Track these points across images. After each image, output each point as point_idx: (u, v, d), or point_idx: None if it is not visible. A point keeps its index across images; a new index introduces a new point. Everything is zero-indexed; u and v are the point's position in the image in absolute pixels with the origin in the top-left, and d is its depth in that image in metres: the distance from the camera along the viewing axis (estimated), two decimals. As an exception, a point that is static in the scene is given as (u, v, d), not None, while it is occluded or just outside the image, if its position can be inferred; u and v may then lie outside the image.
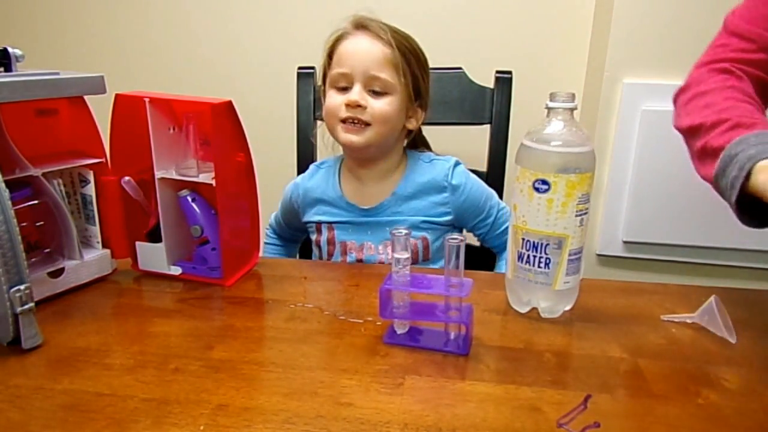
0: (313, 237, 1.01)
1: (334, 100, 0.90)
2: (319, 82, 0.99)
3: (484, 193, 0.98)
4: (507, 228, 0.91)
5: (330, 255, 0.99)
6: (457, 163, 0.97)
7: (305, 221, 1.01)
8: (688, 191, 1.23)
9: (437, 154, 1.01)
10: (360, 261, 0.96)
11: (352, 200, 0.97)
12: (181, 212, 0.78)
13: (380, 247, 0.96)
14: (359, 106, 0.87)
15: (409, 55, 0.91)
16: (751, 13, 0.77)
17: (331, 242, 0.98)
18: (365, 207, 0.96)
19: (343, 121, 0.89)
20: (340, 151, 1.01)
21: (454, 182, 0.95)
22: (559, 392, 0.54)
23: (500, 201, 1.01)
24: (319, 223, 0.99)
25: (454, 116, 1.13)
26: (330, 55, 0.92)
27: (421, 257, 0.96)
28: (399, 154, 0.98)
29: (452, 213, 0.96)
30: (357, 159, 0.96)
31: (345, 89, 0.89)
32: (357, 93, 0.88)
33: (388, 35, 0.89)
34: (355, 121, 0.89)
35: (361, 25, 0.91)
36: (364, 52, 0.88)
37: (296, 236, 1.11)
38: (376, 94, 0.89)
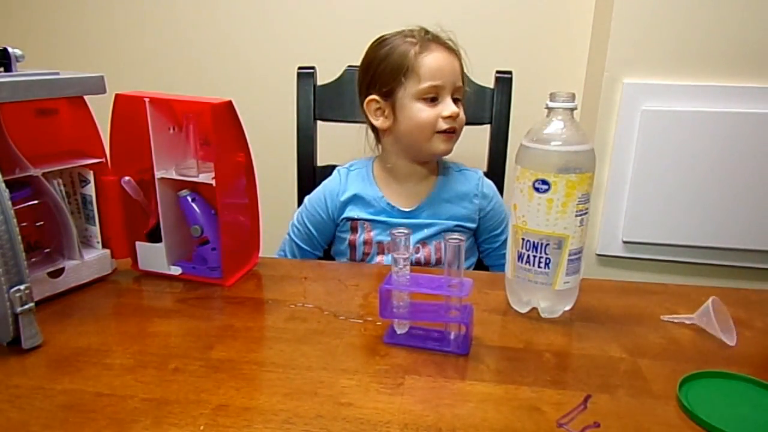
0: (346, 236, 1.00)
1: (428, 113, 0.93)
2: (371, 95, 0.96)
3: (504, 210, 1.04)
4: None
5: (366, 255, 0.99)
6: (484, 175, 1.04)
7: (343, 218, 1.00)
8: (688, 191, 1.24)
9: (461, 164, 1.05)
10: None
11: (392, 201, 0.99)
12: (181, 212, 0.78)
13: (417, 246, 0.98)
14: (457, 116, 0.93)
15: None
16: None
17: (368, 242, 0.99)
18: (406, 209, 0.99)
19: (442, 131, 0.93)
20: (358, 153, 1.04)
21: (485, 191, 1.02)
22: (559, 392, 0.54)
23: None
24: (356, 221, 0.99)
25: (454, 116, 1.13)
26: (412, 67, 0.92)
27: None
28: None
29: (477, 220, 1.01)
30: (419, 162, 0.99)
31: (433, 99, 0.93)
32: (453, 104, 0.93)
33: (455, 44, 0.95)
34: (452, 131, 0.94)
35: (428, 39, 0.94)
36: (450, 65, 0.93)
37: (322, 245, 1.07)
38: (455, 101, 0.94)
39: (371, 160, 1.04)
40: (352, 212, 0.99)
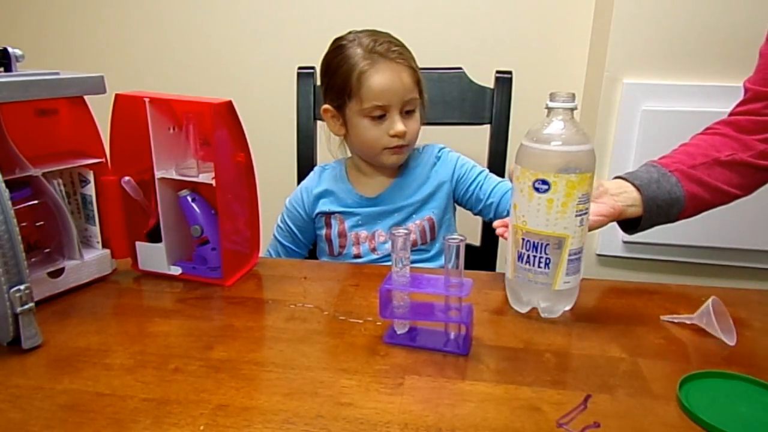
0: (322, 232, 1.02)
1: (374, 132, 0.94)
2: (326, 103, 0.98)
3: (470, 162, 1.04)
4: (501, 182, 0.99)
5: (342, 248, 1.01)
6: (443, 147, 1.06)
7: (316, 213, 1.03)
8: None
9: (425, 144, 1.07)
10: (374, 250, 0.99)
11: (360, 192, 1.01)
12: (181, 212, 0.78)
13: (390, 233, 0.98)
14: (404, 134, 0.94)
15: (417, 67, 0.96)
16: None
17: (342, 234, 1.01)
18: (372, 196, 1.01)
19: (390, 147, 0.95)
20: (339, 155, 1.06)
21: (439, 154, 1.04)
22: (559, 392, 0.54)
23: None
24: (329, 215, 1.01)
25: (454, 116, 1.13)
26: (355, 88, 0.92)
27: (429, 237, 1.00)
28: None
29: (448, 181, 1.02)
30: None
31: (380, 117, 0.93)
32: (401, 123, 0.93)
33: (406, 59, 0.94)
34: (400, 146, 0.95)
35: (377, 54, 0.92)
36: (397, 85, 0.92)
37: (306, 244, 1.09)
38: (407, 113, 0.95)
39: (345, 160, 1.07)
40: (324, 206, 1.02)
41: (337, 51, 0.96)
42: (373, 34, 0.95)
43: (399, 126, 0.92)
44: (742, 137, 0.80)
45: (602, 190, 0.77)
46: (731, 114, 0.84)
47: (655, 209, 0.78)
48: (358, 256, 1.00)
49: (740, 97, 0.84)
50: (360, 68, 0.91)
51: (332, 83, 0.96)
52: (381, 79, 0.91)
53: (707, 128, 0.86)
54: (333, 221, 1.02)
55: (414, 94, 0.94)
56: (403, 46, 0.96)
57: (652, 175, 0.78)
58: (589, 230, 0.71)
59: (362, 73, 0.91)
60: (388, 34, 0.96)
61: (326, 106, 0.99)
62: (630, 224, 0.80)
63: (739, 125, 0.81)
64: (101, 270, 0.77)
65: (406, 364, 0.59)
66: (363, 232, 1.00)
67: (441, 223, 1.01)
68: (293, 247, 1.06)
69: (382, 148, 0.95)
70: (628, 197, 0.77)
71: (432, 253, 1.01)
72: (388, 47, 0.93)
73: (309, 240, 1.07)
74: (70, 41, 1.57)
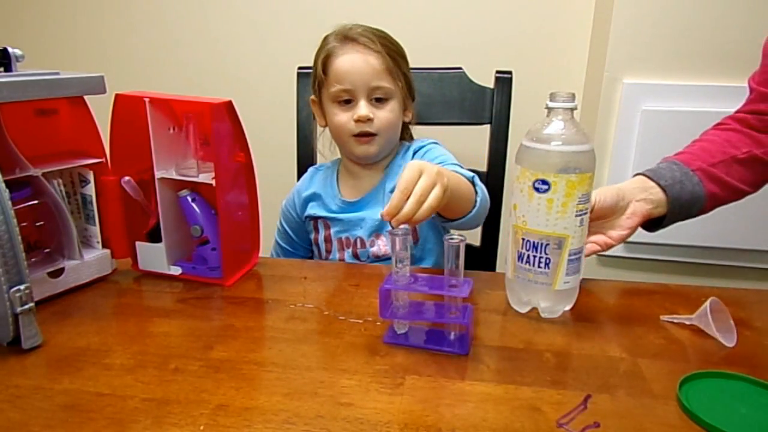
0: (312, 236, 1.02)
1: (341, 117, 0.93)
2: (312, 95, 1.00)
3: (440, 156, 0.96)
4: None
5: (328, 252, 1.00)
6: (433, 142, 1.01)
7: (306, 216, 1.02)
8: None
9: (415, 140, 1.04)
10: (356, 256, 0.97)
11: (345, 196, 1.00)
12: (181, 212, 0.78)
13: (371, 240, 0.96)
14: (369, 119, 0.91)
15: (397, 58, 0.95)
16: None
17: (327, 240, 1.00)
18: (354, 200, 0.99)
19: (355, 135, 0.93)
20: (337, 154, 1.04)
21: (420, 149, 0.99)
22: (559, 392, 0.54)
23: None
24: (315, 219, 1.01)
25: (454, 116, 1.13)
26: (324, 72, 0.93)
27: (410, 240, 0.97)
28: (395, 147, 1.01)
29: None
30: (365, 163, 0.99)
31: (348, 102, 0.93)
32: (365, 107, 0.91)
33: (377, 45, 0.92)
34: (366, 134, 0.92)
35: (348, 39, 0.92)
36: (362, 67, 0.91)
37: (302, 245, 1.08)
38: (379, 101, 0.93)
39: (339, 160, 1.05)
40: (312, 210, 1.01)
41: (322, 42, 0.97)
42: (360, 26, 0.95)
43: (362, 110, 0.90)
44: (754, 134, 0.81)
45: (625, 203, 0.76)
46: (739, 112, 0.84)
47: (678, 209, 0.78)
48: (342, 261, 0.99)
49: (744, 94, 0.84)
50: (328, 50, 0.92)
51: (312, 73, 0.97)
52: (344, 61, 0.91)
53: (718, 123, 0.85)
54: (319, 226, 1.00)
55: (384, 82, 0.91)
56: (384, 36, 0.94)
57: (675, 175, 0.78)
58: (622, 242, 0.76)
59: (329, 56, 0.92)
60: (378, 29, 0.95)
61: (311, 97, 1.00)
62: (652, 223, 0.81)
63: (748, 123, 0.81)
64: (101, 270, 0.77)
65: (406, 364, 0.59)
66: (346, 238, 0.98)
67: (422, 224, 0.94)
68: (289, 248, 1.06)
69: (349, 134, 0.93)
70: (653, 199, 0.77)
71: (416, 257, 0.96)
72: (360, 33, 0.93)
73: (304, 241, 1.06)
74: (71, 41, 1.57)
